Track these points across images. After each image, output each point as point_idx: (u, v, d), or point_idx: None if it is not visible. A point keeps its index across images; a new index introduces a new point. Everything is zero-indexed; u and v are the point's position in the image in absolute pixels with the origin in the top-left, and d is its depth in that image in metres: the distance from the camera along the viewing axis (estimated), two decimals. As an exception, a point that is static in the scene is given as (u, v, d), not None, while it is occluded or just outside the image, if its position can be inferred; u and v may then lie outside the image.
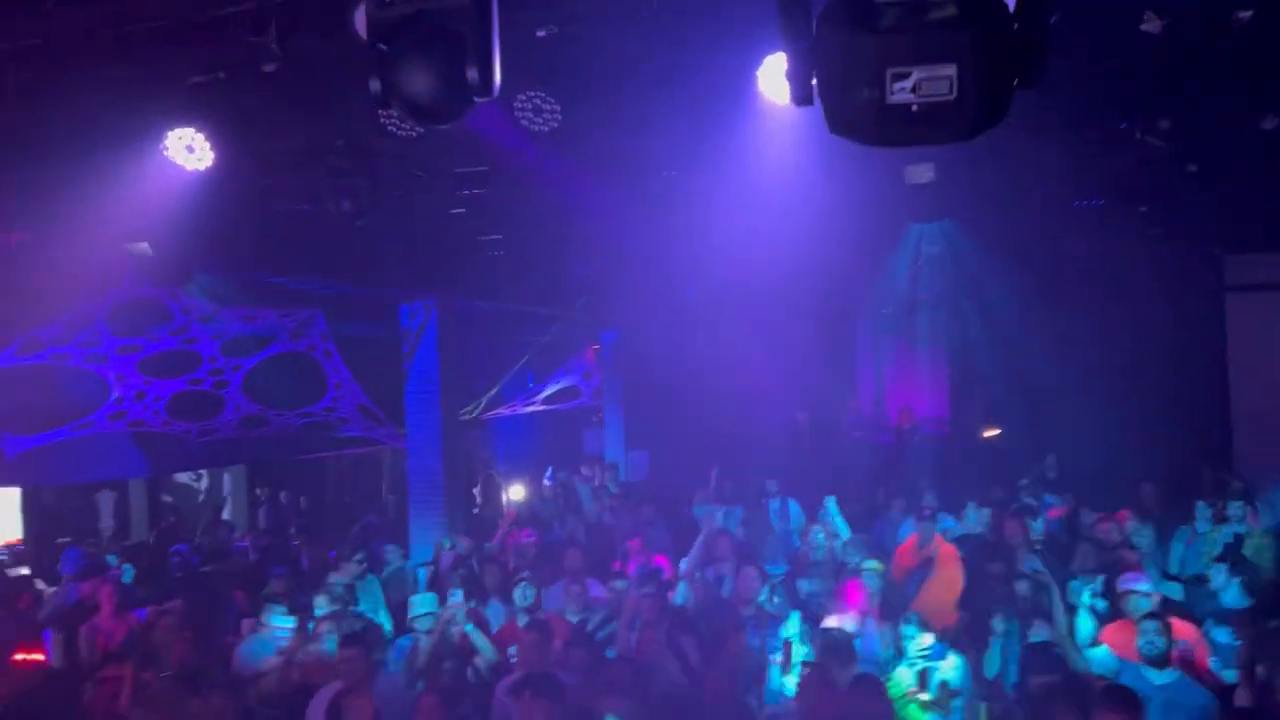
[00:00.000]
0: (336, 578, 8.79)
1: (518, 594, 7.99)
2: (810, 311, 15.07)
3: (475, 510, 15.49)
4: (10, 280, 7.28)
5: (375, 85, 3.65)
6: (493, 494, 17.34)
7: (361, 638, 7.09)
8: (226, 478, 17.56)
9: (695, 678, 6.32)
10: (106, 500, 15.92)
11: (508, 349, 17.49)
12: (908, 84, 2.62)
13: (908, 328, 16.44)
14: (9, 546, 13.26)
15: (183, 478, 17.11)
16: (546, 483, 17.22)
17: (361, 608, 8.68)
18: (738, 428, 14.88)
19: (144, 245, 6.09)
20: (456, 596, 7.48)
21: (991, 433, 15.51)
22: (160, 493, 16.33)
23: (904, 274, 14.10)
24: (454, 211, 9.00)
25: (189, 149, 5.80)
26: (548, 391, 16.81)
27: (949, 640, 6.46)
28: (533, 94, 5.41)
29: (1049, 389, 13.42)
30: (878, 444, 15.22)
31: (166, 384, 10.10)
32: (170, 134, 5.83)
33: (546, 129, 5.49)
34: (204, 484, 17.62)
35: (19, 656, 7.01)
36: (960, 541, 9.12)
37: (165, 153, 5.76)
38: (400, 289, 11.47)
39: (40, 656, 7.18)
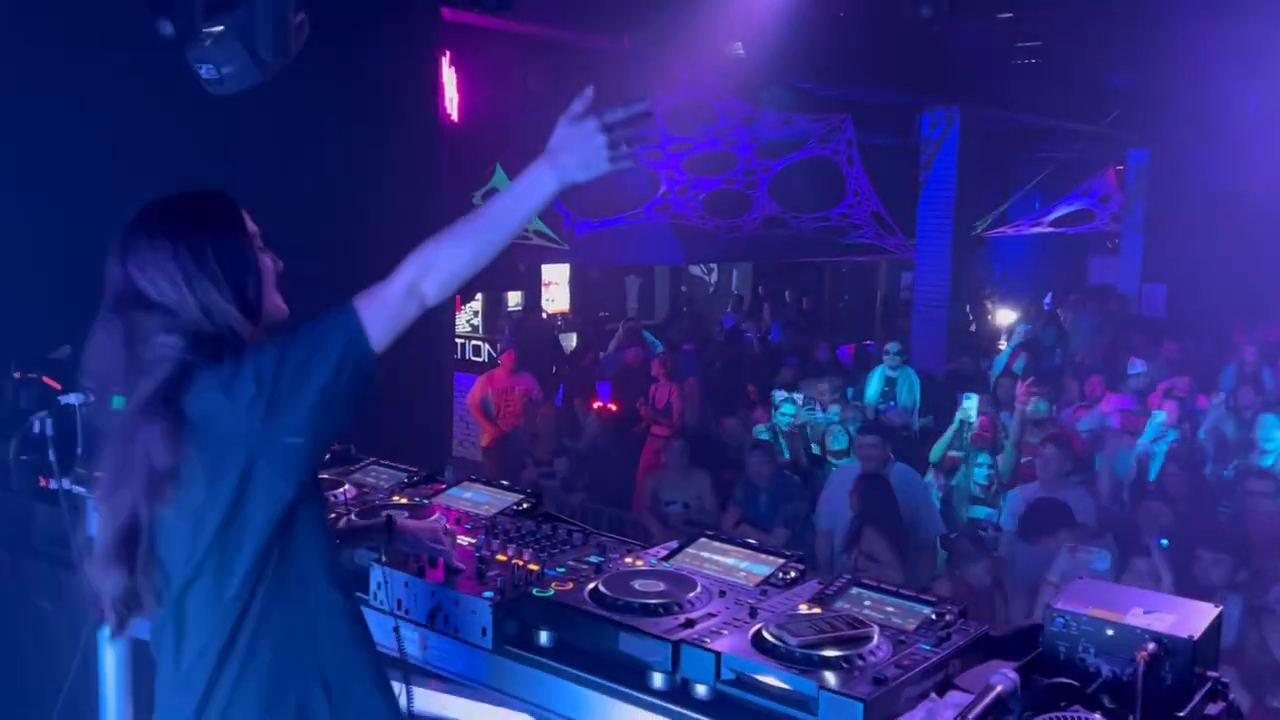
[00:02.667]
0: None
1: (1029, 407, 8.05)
2: None
3: (971, 328, 15.39)
4: (599, 81, 8.24)
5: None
6: (984, 315, 17.10)
7: (878, 426, 7.65)
8: (734, 274, 18.95)
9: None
10: (633, 285, 17.95)
11: (1019, 166, 16.75)
12: None
13: None
14: (562, 315, 15.53)
15: (697, 271, 18.74)
16: (1045, 308, 16.64)
17: (901, 399, 9.23)
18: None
19: (738, 48, 6.64)
20: (970, 400, 7.77)
21: None
22: (679, 283, 18.04)
23: None
24: (1000, 16, 8.71)
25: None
26: (1058, 213, 15.93)
27: None
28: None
29: None
30: None
31: (705, 181, 11.02)
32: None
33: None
34: (714, 278, 19.19)
35: (597, 405, 8.43)
36: None
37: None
38: (928, 96, 11.33)
39: (613, 407, 8.52)
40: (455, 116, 7.23)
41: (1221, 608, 2.02)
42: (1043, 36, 10.11)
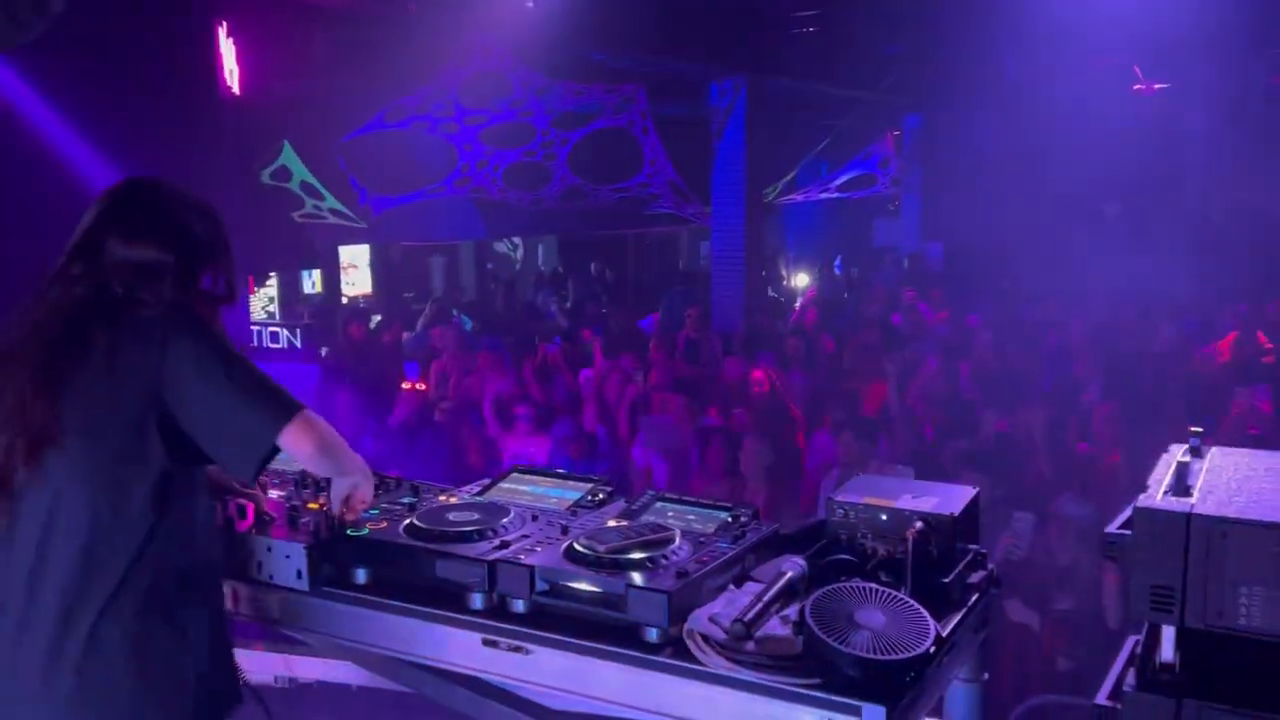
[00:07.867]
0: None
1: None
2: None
3: (767, 291, 16.01)
4: (387, 53, 8.13)
5: None
6: (779, 279, 17.84)
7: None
8: (540, 249, 19.01)
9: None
10: (438, 264, 17.73)
11: (804, 134, 17.46)
12: None
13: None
14: (364, 298, 15.21)
15: (501, 247, 18.69)
16: (836, 271, 17.54)
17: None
18: (1045, 222, 14.03)
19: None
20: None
21: None
22: (484, 260, 17.94)
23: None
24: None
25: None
26: (843, 179, 16.73)
27: None
28: None
29: None
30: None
31: (504, 154, 11.00)
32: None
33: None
34: (520, 254, 19.19)
35: (406, 385, 8.35)
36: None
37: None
38: (713, 64, 11.67)
39: (423, 386, 8.45)
40: (236, 89, 6.97)
41: (978, 489, 2.27)
42: (820, 5, 10.61)
